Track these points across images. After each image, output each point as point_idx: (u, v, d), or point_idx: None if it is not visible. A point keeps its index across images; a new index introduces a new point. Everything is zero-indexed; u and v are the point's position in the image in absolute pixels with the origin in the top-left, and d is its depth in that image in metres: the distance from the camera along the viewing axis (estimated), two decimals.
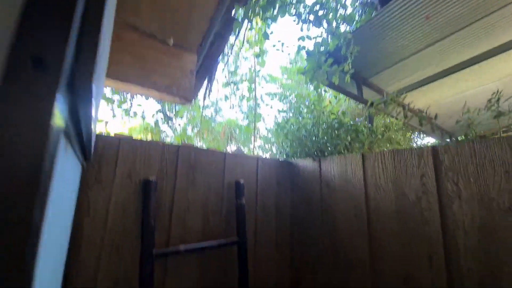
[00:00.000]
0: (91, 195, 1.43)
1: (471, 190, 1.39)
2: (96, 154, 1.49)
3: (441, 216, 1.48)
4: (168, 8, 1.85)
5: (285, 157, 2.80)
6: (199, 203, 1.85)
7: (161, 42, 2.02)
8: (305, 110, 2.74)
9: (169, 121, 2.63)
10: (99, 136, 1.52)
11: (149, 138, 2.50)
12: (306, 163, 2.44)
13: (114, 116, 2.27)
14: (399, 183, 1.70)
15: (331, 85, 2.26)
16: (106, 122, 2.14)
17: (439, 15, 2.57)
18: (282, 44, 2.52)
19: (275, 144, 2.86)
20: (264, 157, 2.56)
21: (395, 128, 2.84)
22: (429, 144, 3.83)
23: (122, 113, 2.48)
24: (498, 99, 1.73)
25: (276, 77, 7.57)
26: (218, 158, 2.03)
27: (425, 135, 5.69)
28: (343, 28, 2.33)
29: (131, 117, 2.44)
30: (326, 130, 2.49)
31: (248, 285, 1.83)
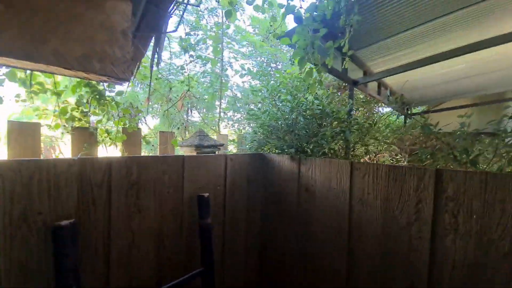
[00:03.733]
0: None
1: (471, 227, 1.24)
2: None
3: (431, 247, 1.36)
4: None
5: (256, 147, 2.38)
6: (149, 230, 1.40)
7: None
8: (283, 92, 2.23)
9: (101, 98, 1.86)
10: None
11: (71, 125, 1.76)
12: (283, 160, 2.08)
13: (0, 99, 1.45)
14: (390, 204, 1.50)
15: (323, 66, 1.75)
16: None
17: None
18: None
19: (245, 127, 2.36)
20: (233, 153, 2.10)
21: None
22: (429, 167, 3.77)
23: (19, 85, 1.62)
24: None
25: (248, 33, 6.34)
26: (174, 165, 1.50)
27: (385, 106, 5.72)
28: None
29: (33, 92, 1.61)
30: (308, 121, 2.09)
31: None
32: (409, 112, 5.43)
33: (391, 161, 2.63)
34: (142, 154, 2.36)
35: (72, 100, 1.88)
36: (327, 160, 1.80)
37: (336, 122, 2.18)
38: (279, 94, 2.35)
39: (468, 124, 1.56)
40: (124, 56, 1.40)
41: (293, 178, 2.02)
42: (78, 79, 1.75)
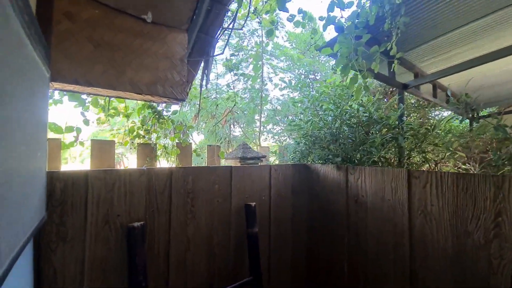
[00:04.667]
0: (55, 259, 1.05)
1: None
2: (54, 200, 1.06)
3: None
4: None
5: (299, 157, 2.36)
6: (201, 238, 1.49)
7: (135, 19, 1.41)
8: (325, 101, 2.20)
9: (160, 117, 2.11)
10: (55, 175, 1.07)
11: (137, 142, 2.03)
12: (329, 170, 2.02)
13: (86, 121, 1.77)
14: (461, 218, 1.31)
15: (369, 71, 1.69)
16: (78, 130, 1.65)
17: None
18: (304, 14, 1.82)
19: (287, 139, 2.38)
20: (277, 163, 2.13)
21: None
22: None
23: (99, 111, 1.96)
24: None
25: (286, 48, 6.54)
26: (223, 175, 1.60)
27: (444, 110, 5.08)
28: None
29: (109, 115, 1.93)
30: (354, 129, 2.00)
31: None
32: (475, 115, 4.70)
33: (458, 171, 2.30)
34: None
35: (137, 120, 2.19)
36: (378, 169, 1.68)
37: (385, 129, 2.04)
38: (321, 104, 2.33)
39: None
40: (181, 79, 1.61)
41: (340, 188, 1.93)
42: (142, 102, 2.04)
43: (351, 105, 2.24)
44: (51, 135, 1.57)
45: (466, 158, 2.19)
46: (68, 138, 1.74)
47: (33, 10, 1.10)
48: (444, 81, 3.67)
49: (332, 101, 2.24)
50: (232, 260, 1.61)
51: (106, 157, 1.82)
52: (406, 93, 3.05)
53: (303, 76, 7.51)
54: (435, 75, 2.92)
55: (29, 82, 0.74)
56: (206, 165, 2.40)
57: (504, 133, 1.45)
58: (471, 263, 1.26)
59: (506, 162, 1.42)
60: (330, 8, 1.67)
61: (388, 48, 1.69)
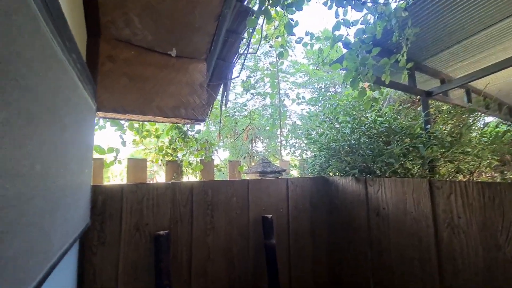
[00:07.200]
0: (96, 261, 1.22)
1: None
2: (96, 210, 1.26)
3: None
4: (165, 13, 1.47)
5: (318, 170, 2.37)
6: (221, 247, 1.58)
7: (162, 55, 1.67)
8: (341, 114, 2.22)
9: (185, 137, 2.33)
10: (98, 188, 1.28)
11: (165, 159, 2.25)
12: (347, 182, 2.00)
13: (123, 143, 2.03)
14: (491, 230, 1.21)
15: (378, 82, 1.71)
16: (117, 151, 1.91)
17: None
18: (312, 35, 1.96)
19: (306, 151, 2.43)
20: (295, 176, 2.17)
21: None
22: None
23: (135, 133, 2.24)
24: None
25: (303, 64, 6.74)
26: (240, 188, 1.70)
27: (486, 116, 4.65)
28: (392, 5, 1.71)
29: (143, 136, 2.19)
30: (373, 141, 1.98)
31: None
32: None
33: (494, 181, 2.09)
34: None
35: (166, 140, 2.45)
36: (398, 180, 1.64)
37: (408, 139, 1.98)
38: (337, 116, 2.35)
39: None
40: (201, 102, 1.81)
41: (360, 201, 1.89)
42: (170, 124, 2.29)
43: (369, 116, 2.23)
44: (95, 155, 1.86)
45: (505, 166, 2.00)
46: (109, 158, 2.02)
47: (84, 57, 1.40)
48: (478, 84, 3.41)
49: (347, 113, 2.25)
50: (251, 270, 1.65)
51: (140, 173, 2.06)
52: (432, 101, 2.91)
53: (323, 90, 7.51)
54: (463, 79, 2.76)
55: (81, 114, 0.96)
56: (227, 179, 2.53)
57: None
58: (503, 280, 1.14)
59: None
60: (336, 27, 1.77)
61: (398, 59, 1.71)
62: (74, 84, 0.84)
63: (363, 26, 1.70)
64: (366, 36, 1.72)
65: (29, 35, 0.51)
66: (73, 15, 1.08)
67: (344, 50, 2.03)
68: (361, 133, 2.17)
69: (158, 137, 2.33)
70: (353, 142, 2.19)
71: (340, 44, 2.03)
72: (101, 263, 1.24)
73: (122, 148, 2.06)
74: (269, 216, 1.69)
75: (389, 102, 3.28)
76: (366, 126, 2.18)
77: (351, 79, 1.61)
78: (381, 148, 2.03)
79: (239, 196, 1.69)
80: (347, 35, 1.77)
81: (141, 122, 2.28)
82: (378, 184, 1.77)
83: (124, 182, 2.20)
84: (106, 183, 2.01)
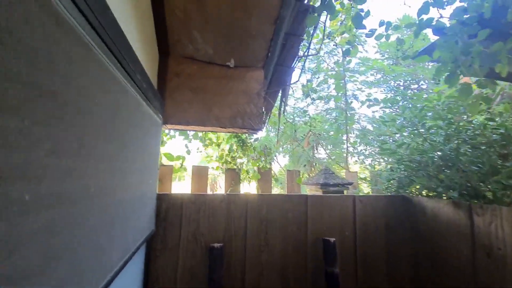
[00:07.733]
0: (159, 264, 1.31)
1: None
2: (160, 218, 1.35)
3: None
4: (223, 24, 1.48)
5: (396, 187, 1.95)
6: (275, 265, 1.46)
7: (221, 67, 1.70)
8: (429, 118, 1.75)
9: (244, 145, 2.34)
10: (162, 196, 1.38)
11: (224, 167, 2.32)
12: (440, 206, 1.55)
13: (188, 151, 2.19)
14: None
15: (492, 75, 1.25)
16: (183, 159, 2.07)
17: None
18: (388, 24, 1.60)
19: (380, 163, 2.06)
20: (364, 192, 1.86)
21: None
22: None
23: (199, 141, 2.39)
24: None
25: (375, 60, 5.86)
26: (297, 204, 1.55)
27: None
28: None
29: (205, 145, 2.31)
30: (481, 153, 1.48)
31: None
32: None
33: None
34: (274, 190, 2.63)
35: (226, 148, 2.52)
36: None
37: None
38: (423, 121, 1.88)
39: None
40: (258, 111, 1.75)
41: (460, 233, 1.42)
42: (229, 133, 2.35)
43: (473, 119, 1.68)
44: (166, 162, 2.06)
45: None
46: (178, 164, 2.21)
47: (156, 74, 1.56)
48: None
49: (439, 117, 1.76)
50: None
51: (203, 179, 2.17)
52: None
53: (402, 88, 6.32)
54: None
55: (144, 129, 1.03)
56: (286, 191, 2.40)
57: None
58: None
59: None
60: (424, 10, 1.39)
61: None
62: (137, 102, 0.90)
63: (463, 4, 1.28)
64: (467, 16, 1.29)
65: (89, 67, 0.53)
66: (144, 38, 1.19)
67: (434, 38, 1.60)
68: (460, 142, 1.65)
69: (218, 145, 2.43)
70: (448, 153, 1.69)
71: (427, 31, 1.61)
72: (164, 266, 1.31)
73: (188, 156, 2.22)
74: (332, 240, 1.46)
75: (502, 99, 2.46)
76: (470, 132, 1.65)
77: (446, 74, 1.23)
78: (494, 164, 1.48)
79: (296, 212, 1.54)
80: (440, 17, 1.37)
81: (204, 132, 2.43)
82: (491, 214, 1.28)
83: (184, 184, 2.36)
84: (176, 185, 2.21)
